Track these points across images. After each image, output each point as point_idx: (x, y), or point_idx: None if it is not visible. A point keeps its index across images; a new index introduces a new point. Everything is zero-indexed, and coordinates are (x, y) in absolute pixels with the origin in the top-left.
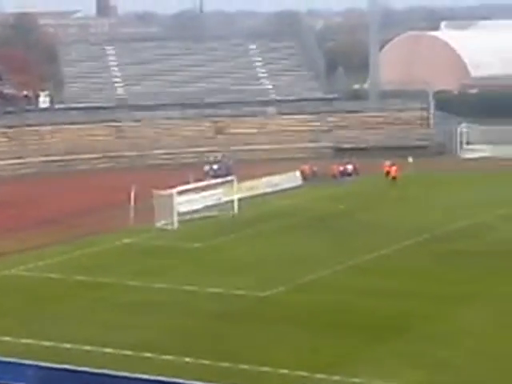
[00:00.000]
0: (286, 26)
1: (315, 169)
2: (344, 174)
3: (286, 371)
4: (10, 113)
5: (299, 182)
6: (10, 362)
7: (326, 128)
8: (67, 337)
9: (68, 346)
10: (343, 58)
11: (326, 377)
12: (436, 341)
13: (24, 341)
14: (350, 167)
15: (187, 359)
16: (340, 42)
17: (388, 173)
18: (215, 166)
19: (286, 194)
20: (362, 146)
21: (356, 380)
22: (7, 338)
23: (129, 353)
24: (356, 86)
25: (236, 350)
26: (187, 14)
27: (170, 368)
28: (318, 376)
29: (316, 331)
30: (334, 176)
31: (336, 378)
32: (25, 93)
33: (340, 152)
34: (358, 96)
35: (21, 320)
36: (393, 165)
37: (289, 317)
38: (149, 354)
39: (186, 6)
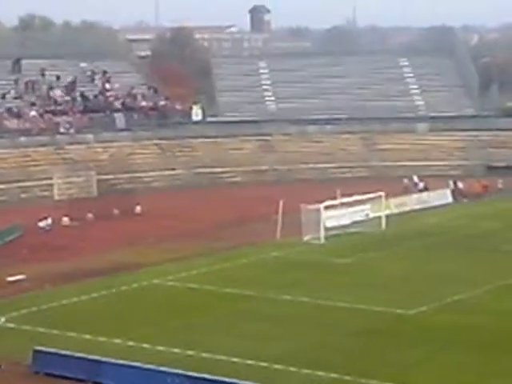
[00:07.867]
0: (439, 41)
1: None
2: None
3: None
4: (163, 125)
5: (449, 199)
6: (154, 370)
7: (478, 146)
8: (208, 347)
9: (208, 355)
10: (498, 75)
11: None
12: None
13: (169, 349)
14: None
15: (320, 373)
16: (495, 58)
17: None
18: (416, 180)
19: (436, 212)
20: None
21: None
22: (160, 348)
23: (264, 364)
24: (510, 104)
25: (370, 367)
26: (340, 29)
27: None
28: None
29: (459, 352)
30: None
31: None
32: (179, 107)
33: (492, 170)
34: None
35: (164, 329)
36: None
37: (432, 336)
38: (279, 367)
39: (340, 21)
